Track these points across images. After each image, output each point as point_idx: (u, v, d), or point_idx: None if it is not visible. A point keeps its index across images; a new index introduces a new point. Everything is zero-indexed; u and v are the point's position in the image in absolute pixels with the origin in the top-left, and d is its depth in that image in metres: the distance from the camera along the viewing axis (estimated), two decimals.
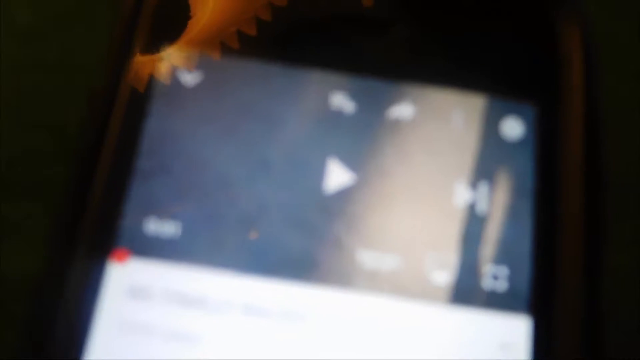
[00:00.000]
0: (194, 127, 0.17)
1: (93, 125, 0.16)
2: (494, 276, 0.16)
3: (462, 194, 0.16)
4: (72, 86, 0.18)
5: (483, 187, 0.16)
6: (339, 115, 0.17)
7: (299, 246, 0.16)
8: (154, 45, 0.17)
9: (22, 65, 0.18)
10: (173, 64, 0.17)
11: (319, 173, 0.16)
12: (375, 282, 0.15)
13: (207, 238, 0.16)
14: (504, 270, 0.16)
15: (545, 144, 0.17)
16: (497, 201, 0.16)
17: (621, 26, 0.19)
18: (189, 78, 0.17)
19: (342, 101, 0.17)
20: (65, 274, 0.15)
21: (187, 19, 0.17)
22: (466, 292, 0.15)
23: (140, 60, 0.17)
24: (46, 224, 0.16)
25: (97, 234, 0.15)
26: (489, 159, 0.17)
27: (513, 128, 0.17)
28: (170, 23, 0.17)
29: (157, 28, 0.17)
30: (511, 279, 0.16)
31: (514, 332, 0.15)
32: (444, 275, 0.16)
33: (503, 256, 0.16)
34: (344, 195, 0.16)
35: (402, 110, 0.17)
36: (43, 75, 0.18)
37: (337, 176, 0.16)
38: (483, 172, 0.16)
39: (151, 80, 0.17)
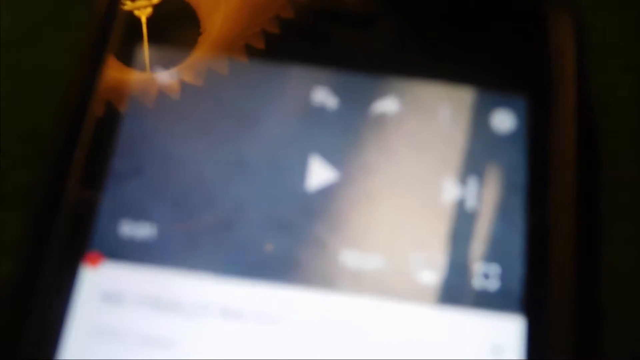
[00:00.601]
0: (171, 125, 0.16)
1: (66, 126, 0.16)
2: (485, 275, 0.15)
3: (451, 190, 0.16)
4: (49, 91, 0.18)
5: (473, 183, 0.16)
6: (321, 111, 0.16)
7: (279, 246, 0.15)
8: (127, 47, 0.16)
9: None
10: (153, 64, 0.16)
11: (301, 171, 0.16)
12: (360, 283, 0.15)
13: (182, 240, 0.15)
14: (495, 269, 0.15)
15: (537, 137, 0.16)
16: (487, 197, 0.16)
17: (613, 18, 0.18)
18: (167, 75, 0.16)
19: (324, 96, 0.16)
20: (38, 278, 0.15)
21: (161, 21, 0.17)
22: (456, 291, 0.15)
23: (115, 62, 0.16)
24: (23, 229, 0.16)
25: (69, 238, 0.15)
26: (479, 154, 0.16)
27: (504, 121, 0.16)
28: (146, 25, 0.17)
29: (130, 31, 0.17)
30: (503, 277, 0.15)
31: (506, 332, 0.14)
32: (433, 275, 0.15)
33: (494, 254, 0.15)
34: (327, 193, 0.16)
35: (387, 104, 0.16)
36: (19, 80, 0.18)
37: (319, 174, 0.16)
38: (473, 167, 0.16)
39: (126, 81, 0.16)
